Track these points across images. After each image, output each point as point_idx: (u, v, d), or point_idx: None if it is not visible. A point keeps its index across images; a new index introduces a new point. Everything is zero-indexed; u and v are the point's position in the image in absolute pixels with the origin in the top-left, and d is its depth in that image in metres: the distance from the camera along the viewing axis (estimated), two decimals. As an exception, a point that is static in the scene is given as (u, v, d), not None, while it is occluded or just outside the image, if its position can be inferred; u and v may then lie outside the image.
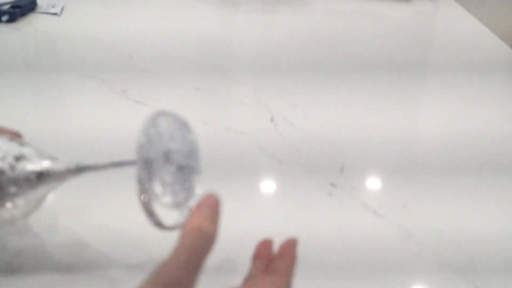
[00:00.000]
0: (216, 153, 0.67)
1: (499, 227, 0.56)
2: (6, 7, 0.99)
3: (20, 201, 0.41)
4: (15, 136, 0.45)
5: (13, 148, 0.41)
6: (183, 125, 0.43)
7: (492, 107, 0.82)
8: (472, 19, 1.13)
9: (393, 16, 1.16)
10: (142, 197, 0.41)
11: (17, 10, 0.99)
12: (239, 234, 0.53)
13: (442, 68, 0.95)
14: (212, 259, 0.49)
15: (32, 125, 0.69)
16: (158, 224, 0.43)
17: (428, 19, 1.20)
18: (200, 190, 0.43)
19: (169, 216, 0.44)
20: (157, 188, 0.40)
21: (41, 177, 0.40)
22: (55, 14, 1.04)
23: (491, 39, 1.04)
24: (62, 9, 1.06)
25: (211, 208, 0.40)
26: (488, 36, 1.05)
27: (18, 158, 0.40)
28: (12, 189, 0.39)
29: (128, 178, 0.43)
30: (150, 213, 0.42)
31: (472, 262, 0.51)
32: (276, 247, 0.47)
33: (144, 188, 0.40)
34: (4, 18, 0.97)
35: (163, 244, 0.48)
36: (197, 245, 0.38)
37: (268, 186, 0.63)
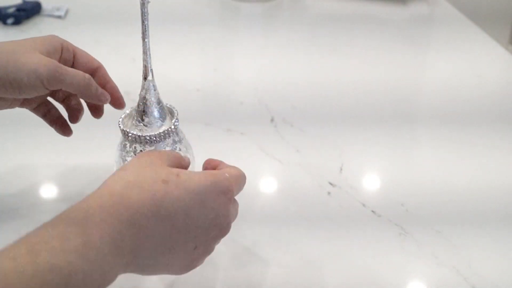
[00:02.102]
0: (217, 153, 0.67)
1: (496, 226, 0.57)
2: (11, 10, 1.00)
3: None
4: None
5: None
6: None
7: (487, 107, 0.83)
8: (467, 21, 1.14)
9: (389, 19, 1.17)
10: None
11: (22, 13, 1.00)
12: (238, 234, 0.54)
13: (438, 70, 0.96)
14: (214, 263, 0.50)
15: (35, 126, 0.70)
16: None
17: (424, 21, 1.21)
18: None
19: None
20: None
21: None
22: (59, 17, 1.05)
23: (486, 41, 1.05)
24: (67, 12, 1.07)
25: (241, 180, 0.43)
26: (483, 38, 1.06)
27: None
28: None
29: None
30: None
31: (469, 261, 0.52)
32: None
33: None
34: (10, 21, 0.98)
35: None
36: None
37: (268, 185, 0.64)
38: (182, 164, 0.43)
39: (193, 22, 1.10)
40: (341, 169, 0.65)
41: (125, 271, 0.36)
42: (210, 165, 0.45)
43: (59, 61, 0.50)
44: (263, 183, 0.64)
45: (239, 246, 0.53)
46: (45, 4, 1.07)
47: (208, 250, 0.41)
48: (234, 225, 0.55)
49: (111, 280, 0.35)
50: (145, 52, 0.48)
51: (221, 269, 0.50)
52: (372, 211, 0.58)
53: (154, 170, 0.38)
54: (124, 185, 0.37)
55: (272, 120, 0.75)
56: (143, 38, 0.47)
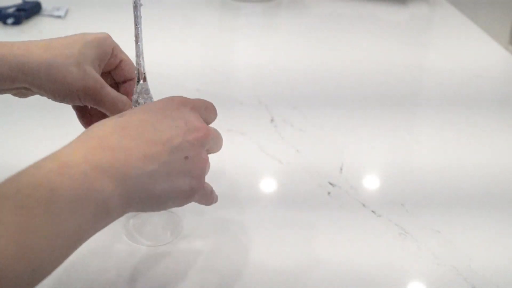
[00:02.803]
0: (217, 153, 0.68)
1: (496, 226, 0.57)
2: (11, 10, 1.00)
3: None
4: None
5: None
6: None
7: (487, 107, 0.83)
8: (467, 21, 1.14)
9: (390, 19, 1.17)
10: None
11: (22, 13, 1.00)
12: (239, 234, 0.54)
13: (438, 70, 0.96)
14: (211, 262, 0.50)
15: (34, 126, 0.70)
16: None
17: (424, 21, 1.21)
18: None
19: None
20: None
21: None
22: (59, 17, 1.05)
23: (486, 41, 1.05)
24: (67, 12, 1.07)
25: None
26: (483, 38, 1.06)
27: None
28: None
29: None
30: None
31: (468, 260, 0.52)
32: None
33: None
34: (10, 21, 0.98)
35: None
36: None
37: (268, 186, 0.64)
38: None
39: (193, 22, 1.10)
40: (341, 169, 0.65)
41: (121, 199, 0.35)
42: None
43: (106, 64, 0.51)
44: (263, 183, 0.64)
45: (238, 246, 0.52)
46: (45, 4, 1.07)
47: (201, 159, 0.41)
48: (233, 225, 0.55)
49: (106, 206, 0.34)
50: (138, 55, 0.47)
51: (220, 269, 0.50)
52: (372, 211, 0.58)
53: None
54: (86, 131, 0.38)
55: (272, 120, 0.75)
56: (136, 42, 0.47)
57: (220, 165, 0.65)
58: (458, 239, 0.54)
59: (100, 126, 0.38)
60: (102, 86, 0.48)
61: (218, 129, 0.72)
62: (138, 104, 0.48)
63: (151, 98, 0.49)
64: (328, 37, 1.07)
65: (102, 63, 0.50)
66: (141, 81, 0.48)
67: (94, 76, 0.48)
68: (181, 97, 0.43)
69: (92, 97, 0.48)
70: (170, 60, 0.91)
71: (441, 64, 0.98)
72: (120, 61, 0.52)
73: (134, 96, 0.48)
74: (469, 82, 0.90)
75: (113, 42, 0.52)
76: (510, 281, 0.50)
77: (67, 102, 0.49)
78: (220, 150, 0.68)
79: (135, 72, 0.48)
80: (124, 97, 0.50)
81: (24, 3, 1.04)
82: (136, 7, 0.45)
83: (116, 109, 0.49)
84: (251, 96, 0.82)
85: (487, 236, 0.55)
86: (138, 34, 0.46)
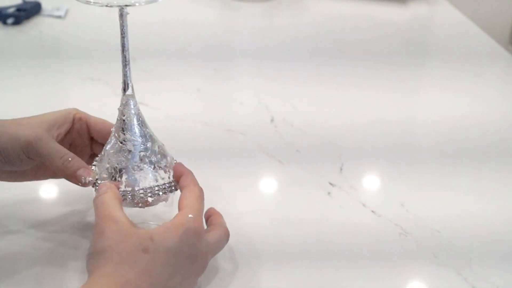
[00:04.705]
0: (217, 153, 0.68)
1: (496, 226, 0.57)
2: (11, 10, 1.00)
3: None
4: None
5: None
6: None
7: (487, 107, 0.83)
8: (467, 21, 1.14)
9: (389, 19, 1.17)
10: None
11: (22, 13, 1.00)
12: (239, 233, 0.54)
13: (438, 70, 0.96)
14: (211, 263, 0.50)
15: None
16: None
17: (424, 21, 1.21)
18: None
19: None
20: None
21: None
22: (59, 17, 1.05)
23: (486, 41, 1.05)
24: (66, 12, 1.07)
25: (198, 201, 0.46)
26: (483, 38, 1.06)
27: None
28: None
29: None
30: None
31: (469, 260, 0.52)
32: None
33: None
34: (10, 21, 0.98)
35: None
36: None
37: (268, 185, 0.64)
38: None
39: (193, 22, 1.10)
40: (341, 169, 0.65)
41: None
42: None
43: (69, 131, 0.51)
44: (263, 183, 0.64)
45: (238, 246, 0.52)
46: (45, 4, 1.07)
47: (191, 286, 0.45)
48: (234, 225, 0.55)
49: None
50: (125, 65, 0.45)
51: (219, 269, 0.50)
52: (372, 211, 0.58)
53: (129, 241, 0.41)
54: (113, 266, 0.40)
55: (272, 120, 0.75)
56: (122, 51, 0.44)
57: (220, 165, 0.65)
58: (458, 239, 0.54)
59: (128, 268, 0.40)
60: (47, 137, 0.47)
61: (218, 129, 0.73)
62: (124, 115, 0.47)
63: (138, 109, 0.47)
64: (328, 37, 1.07)
65: (63, 128, 0.50)
66: (128, 92, 0.46)
67: (42, 130, 0.47)
68: (193, 224, 0.44)
69: (36, 147, 0.46)
70: (170, 60, 0.91)
71: (440, 64, 0.98)
72: (88, 124, 0.52)
73: (120, 107, 0.47)
74: (469, 82, 0.90)
75: (74, 109, 0.52)
76: (510, 281, 0.50)
77: (15, 163, 0.47)
78: (220, 150, 0.68)
79: (122, 82, 0.46)
80: (64, 150, 0.48)
81: (24, 3, 1.04)
82: (122, 16, 0.44)
83: (54, 162, 0.47)
84: (251, 96, 0.82)
85: (487, 236, 0.55)
86: (125, 43, 0.44)
